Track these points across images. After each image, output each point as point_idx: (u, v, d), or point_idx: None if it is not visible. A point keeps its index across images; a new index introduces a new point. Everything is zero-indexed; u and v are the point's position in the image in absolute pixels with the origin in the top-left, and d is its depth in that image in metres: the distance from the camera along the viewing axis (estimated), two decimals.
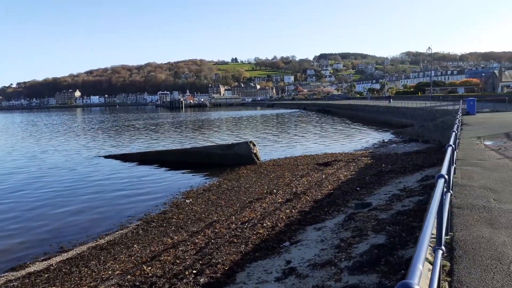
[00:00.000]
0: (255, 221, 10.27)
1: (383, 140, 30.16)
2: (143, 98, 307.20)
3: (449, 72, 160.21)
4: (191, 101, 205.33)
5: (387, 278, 5.16)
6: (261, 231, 9.29)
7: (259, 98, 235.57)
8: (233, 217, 10.93)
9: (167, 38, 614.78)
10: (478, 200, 5.76)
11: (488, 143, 12.10)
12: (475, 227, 4.59)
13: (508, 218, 4.90)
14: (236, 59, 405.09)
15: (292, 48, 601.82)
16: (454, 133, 6.00)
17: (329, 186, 14.45)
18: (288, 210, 11.37)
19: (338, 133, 39.74)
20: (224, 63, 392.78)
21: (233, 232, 9.42)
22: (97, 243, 10.20)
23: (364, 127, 44.60)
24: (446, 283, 3.27)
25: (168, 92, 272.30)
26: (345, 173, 16.76)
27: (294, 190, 14.21)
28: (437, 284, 2.70)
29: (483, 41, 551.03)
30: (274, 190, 14.25)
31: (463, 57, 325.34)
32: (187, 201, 13.53)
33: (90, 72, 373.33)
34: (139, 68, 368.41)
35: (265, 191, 14.25)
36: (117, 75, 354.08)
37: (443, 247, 2.58)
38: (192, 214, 11.86)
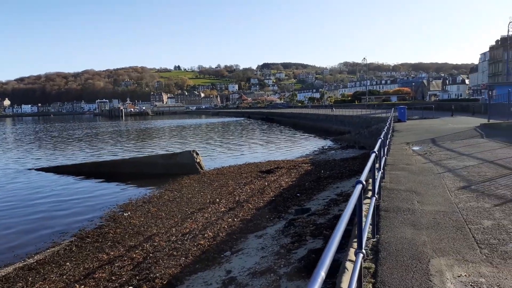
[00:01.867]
0: (197, 232, 10.13)
1: (323, 147, 31.24)
2: (80, 106, 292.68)
3: (383, 82, 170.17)
4: (132, 109, 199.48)
5: (323, 282, 5.28)
6: (202, 242, 9.17)
7: (203, 106, 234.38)
8: (174, 229, 10.69)
9: (106, 44, 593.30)
10: (403, 203, 6.13)
11: (415, 148, 12.95)
12: (400, 229, 4.88)
13: (429, 219, 5.27)
14: (179, 66, 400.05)
15: (236, 57, 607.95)
16: (380, 140, 6.35)
17: (271, 193, 14.66)
18: (230, 219, 11.35)
19: (281, 140, 40.51)
20: (166, 70, 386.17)
21: (173, 245, 9.21)
22: (25, 263, 9.48)
23: (305, 134, 45.90)
24: (370, 285, 3.43)
25: (107, 101, 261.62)
26: (287, 180, 17.09)
27: (237, 198, 14.23)
28: (358, 287, 2.83)
29: (413, 53, 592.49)
30: (217, 199, 14.17)
31: (395, 67, 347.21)
32: (125, 214, 13.02)
33: (21, 80, 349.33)
34: (76, 75, 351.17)
35: (208, 201, 14.13)
36: (52, 82, 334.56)
37: (363, 251, 2.71)
38: (130, 227, 11.43)
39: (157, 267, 7.81)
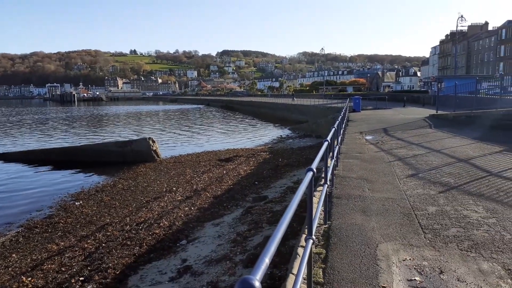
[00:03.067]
0: (152, 221, 9.96)
1: (281, 135, 31.59)
2: (29, 90, 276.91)
3: (340, 72, 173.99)
4: (85, 94, 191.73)
5: (278, 268, 5.40)
6: (157, 231, 9.04)
7: (161, 93, 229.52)
8: (128, 219, 10.45)
9: (56, 25, 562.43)
10: (355, 190, 6.33)
11: (368, 137, 13.40)
12: (350, 215, 5.04)
13: (378, 206, 5.48)
14: (135, 51, 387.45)
15: (195, 42, 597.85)
16: (334, 129, 6.50)
17: (229, 182, 14.68)
18: (187, 208, 11.26)
19: (240, 129, 40.52)
20: (122, 54, 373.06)
21: (126, 234, 9.01)
22: None
23: (264, 123, 46.18)
24: (321, 270, 3.53)
25: (59, 85, 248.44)
26: (245, 168, 17.16)
27: (194, 187, 14.13)
28: (307, 272, 2.90)
29: (369, 44, 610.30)
30: (174, 188, 14.00)
31: (352, 59, 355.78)
32: (76, 203, 12.55)
33: None
34: (24, 57, 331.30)
35: (164, 190, 13.91)
36: None
37: (313, 237, 2.77)
38: (82, 217, 11.04)
39: (110, 257, 7.61)
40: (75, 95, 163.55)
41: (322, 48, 73.20)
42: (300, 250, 3.75)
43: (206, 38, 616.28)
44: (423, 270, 3.51)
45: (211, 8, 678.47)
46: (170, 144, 28.44)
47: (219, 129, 40.92)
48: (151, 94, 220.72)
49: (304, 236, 4.05)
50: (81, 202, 12.72)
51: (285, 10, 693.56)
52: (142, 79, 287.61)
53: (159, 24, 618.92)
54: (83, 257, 7.93)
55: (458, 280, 3.31)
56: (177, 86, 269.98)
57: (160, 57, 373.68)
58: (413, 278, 3.36)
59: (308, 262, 2.62)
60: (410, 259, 3.75)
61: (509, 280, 3.26)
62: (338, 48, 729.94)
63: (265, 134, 34.04)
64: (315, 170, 2.71)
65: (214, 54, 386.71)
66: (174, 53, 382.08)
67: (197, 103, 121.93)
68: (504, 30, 66.26)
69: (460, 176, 7.15)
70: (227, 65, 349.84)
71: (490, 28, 77.62)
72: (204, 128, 42.33)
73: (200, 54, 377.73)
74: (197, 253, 7.77)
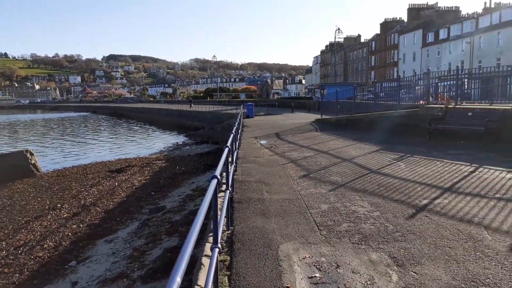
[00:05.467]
0: (33, 243, 8.89)
1: (178, 142, 31.01)
2: None
3: (232, 80, 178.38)
4: None
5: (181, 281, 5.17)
6: (40, 254, 8.09)
7: (39, 100, 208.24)
8: (4, 243, 9.16)
9: None
10: (254, 193, 6.46)
11: (263, 142, 13.88)
12: (252, 219, 5.12)
13: (276, 207, 5.67)
14: (6, 54, 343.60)
15: (77, 46, 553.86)
16: (232, 135, 6.57)
17: (122, 194, 13.93)
18: (75, 226, 10.34)
19: (132, 137, 38.71)
20: None
21: (3, 261, 7.89)
22: None
23: (159, 130, 44.87)
24: (226, 278, 3.49)
25: None
26: (140, 179, 16.44)
27: (82, 202, 13.08)
28: (214, 282, 2.83)
29: (259, 53, 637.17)
30: (58, 205, 12.76)
31: (243, 66, 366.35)
32: None
33: None
34: None
35: (47, 207, 12.60)
36: None
37: (219, 245, 2.72)
38: None
39: None
40: None
41: (214, 55, 74.76)
42: (204, 260, 3.66)
43: (90, 41, 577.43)
44: (321, 266, 3.70)
45: (94, 9, 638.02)
46: (52, 156, 25.89)
47: (108, 138, 38.54)
48: (27, 101, 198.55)
49: (208, 245, 3.98)
50: None
51: (175, 15, 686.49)
52: (16, 85, 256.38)
53: (34, 24, 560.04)
54: None
55: (353, 272, 3.56)
56: (57, 92, 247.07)
57: (37, 61, 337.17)
58: (313, 275, 3.52)
59: (215, 272, 2.55)
60: (309, 257, 3.92)
61: (395, 267, 3.62)
62: (230, 56, 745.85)
63: (160, 142, 33.09)
64: (219, 177, 2.66)
65: (99, 58, 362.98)
66: (54, 57, 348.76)
67: (82, 111, 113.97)
68: (373, 43, 74.97)
69: (346, 175, 7.79)
70: (115, 70, 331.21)
71: (362, 40, 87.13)
72: (91, 137, 39.43)
73: (83, 58, 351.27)
74: (89, 273, 7.16)
